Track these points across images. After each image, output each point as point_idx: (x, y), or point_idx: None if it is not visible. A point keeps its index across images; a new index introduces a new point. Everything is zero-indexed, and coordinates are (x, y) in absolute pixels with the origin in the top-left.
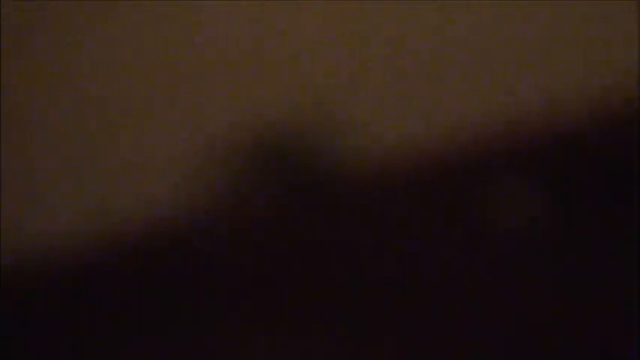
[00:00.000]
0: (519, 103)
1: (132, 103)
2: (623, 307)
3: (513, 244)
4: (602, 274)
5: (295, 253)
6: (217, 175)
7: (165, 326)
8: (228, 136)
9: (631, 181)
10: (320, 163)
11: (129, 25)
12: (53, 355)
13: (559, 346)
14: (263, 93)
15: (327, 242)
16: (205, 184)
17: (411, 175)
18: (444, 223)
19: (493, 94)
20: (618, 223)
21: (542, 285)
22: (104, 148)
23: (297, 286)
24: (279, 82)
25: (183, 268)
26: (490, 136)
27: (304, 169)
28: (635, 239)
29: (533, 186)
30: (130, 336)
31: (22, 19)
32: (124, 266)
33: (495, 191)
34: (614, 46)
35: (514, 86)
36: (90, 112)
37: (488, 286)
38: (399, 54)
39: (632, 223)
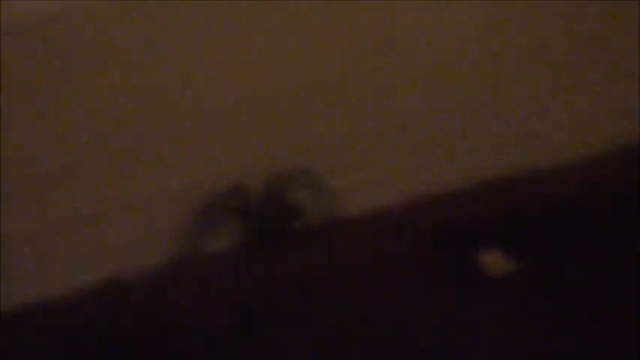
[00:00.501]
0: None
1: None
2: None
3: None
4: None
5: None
6: (186, 230)
7: None
8: (202, 194)
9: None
10: (289, 220)
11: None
12: None
13: None
14: (242, 151)
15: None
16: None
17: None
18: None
19: (479, 159)
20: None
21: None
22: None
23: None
24: (259, 142)
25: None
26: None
27: (272, 226)
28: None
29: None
30: None
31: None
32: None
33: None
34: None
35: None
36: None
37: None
38: (384, 115)
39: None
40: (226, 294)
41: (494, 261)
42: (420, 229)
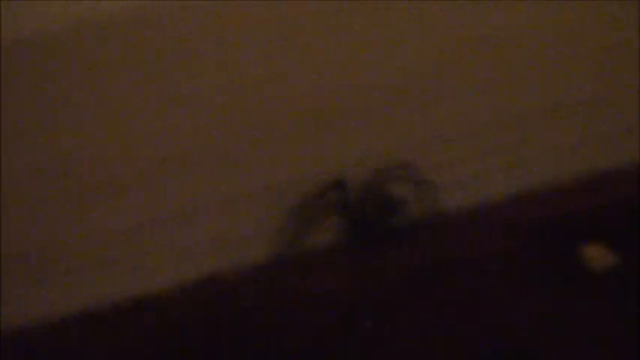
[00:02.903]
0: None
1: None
2: None
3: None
4: None
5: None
6: (285, 226)
7: None
8: (298, 188)
9: None
10: (391, 215)
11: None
12: None
13: None
14: (338, 148)
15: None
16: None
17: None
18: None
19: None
20: None
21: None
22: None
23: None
24: (360, 136)
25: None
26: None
27: (374, 220)
28: None
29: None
30: None
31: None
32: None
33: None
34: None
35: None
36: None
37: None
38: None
39: None
40: (328, 289)
41: (596, 255)
42: (523, 224)
